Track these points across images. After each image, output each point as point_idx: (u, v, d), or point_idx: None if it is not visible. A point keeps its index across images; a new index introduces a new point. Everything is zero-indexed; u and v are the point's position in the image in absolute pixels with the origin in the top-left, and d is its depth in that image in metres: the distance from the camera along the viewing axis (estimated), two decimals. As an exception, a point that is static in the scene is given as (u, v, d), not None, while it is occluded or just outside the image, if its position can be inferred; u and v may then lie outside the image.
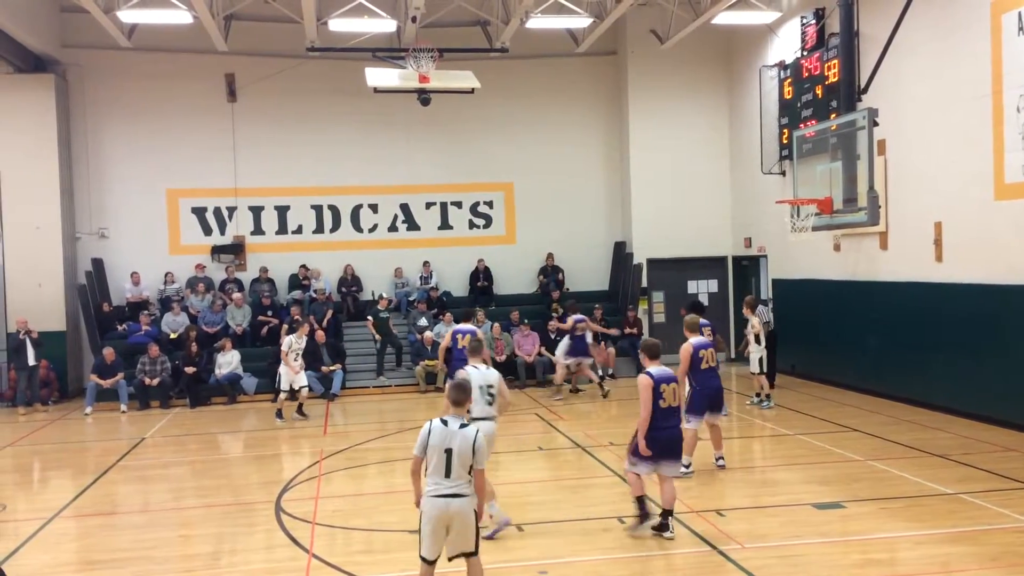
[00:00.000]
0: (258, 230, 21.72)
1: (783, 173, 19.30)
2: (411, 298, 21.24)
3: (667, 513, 8.55)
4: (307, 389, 16.35)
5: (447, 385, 6.63)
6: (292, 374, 16.01)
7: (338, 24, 18.34)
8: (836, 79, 16.53)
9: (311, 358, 17.53)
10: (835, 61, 16.67)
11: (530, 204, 22.61)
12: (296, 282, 21.23)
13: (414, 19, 17.53)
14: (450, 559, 6.61)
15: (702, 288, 22.49)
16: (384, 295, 20.50)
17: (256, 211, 21.67)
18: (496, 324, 19.63)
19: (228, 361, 18.60)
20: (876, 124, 13.71)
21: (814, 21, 17.88)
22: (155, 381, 18.06)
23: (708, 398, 10.98)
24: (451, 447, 6.38)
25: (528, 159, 22.49)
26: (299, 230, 21.87)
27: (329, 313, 20.13)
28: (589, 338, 17.91)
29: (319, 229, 21.96)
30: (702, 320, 12.28)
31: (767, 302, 19.26)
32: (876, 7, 15.66)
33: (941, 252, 14.53)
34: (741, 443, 13.13)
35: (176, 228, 21.39)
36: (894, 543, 8.32)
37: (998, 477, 10.43)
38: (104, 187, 20.98)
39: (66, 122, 20.36)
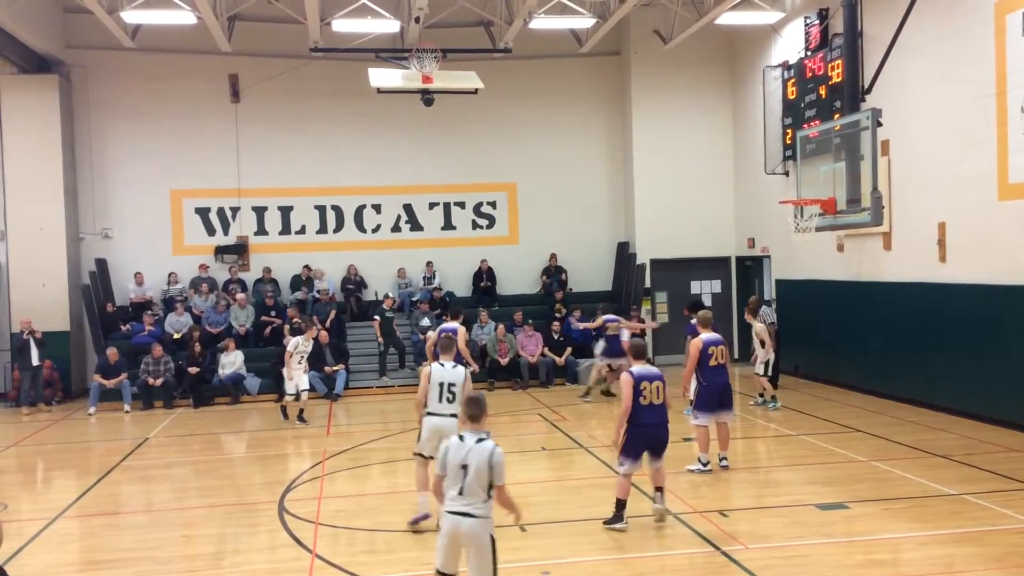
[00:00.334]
0: (261, 230, 21.74)
1: (786, 173, 19.28)
2: (414, 298, 21.24)
3: (659, 489, 9.03)
4: (307, 393, 15.92)
5: (464, 399, 6.38)
6: (298, 375, 15.53)
7: (341, 25, 18.35)
8: (840, 79, 16.50)
9: (315, 358, 17.52)
10: (839, 61, 16.64)
11: (533, 204, 22.61)
12: (299, 282, 21.24)
13: (417, 20, 17.52)
14: None
15: (705, 288, 22.49)
16: (389, 295, 20.51)
17: (259, 211, 21.69)
18: (501, 326, 19.60)
19: (231, 361, 18.62)
20: (880, 124, 13.69)
21: (817, 21, 17.86)
22: (158, 381, 18.08)
23: (715, 395, 10.97)
24: (468, 463, 6.10)
25: (531, 159, 22.49)
26: (302, 230, 21.89)
27: (332, 313, 20.15)
28: (625, 336, 17.05)
29: (322, 229, 21.97)
30: (714, 336, 12.22)
31: (771, 303, 19.25)
32: (880, 7, 15.64)
33: (945, 252, 14.50)
34: (744, 444, 13.11)
35: (180, 228, 21.42)
36: (897, 544, 8.31)
37: (1001, 478, 10.41)
38: (108, 187, 21.02)
39: (70, 123, 20.40)
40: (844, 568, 7.72)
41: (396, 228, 22.26)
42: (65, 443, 15.23)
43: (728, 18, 18.77)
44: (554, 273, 22.20)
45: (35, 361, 18.09)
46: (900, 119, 15.08)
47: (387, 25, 18.56)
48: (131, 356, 18.65)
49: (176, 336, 19.51)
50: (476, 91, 17.52)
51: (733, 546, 8.26)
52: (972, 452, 11.76)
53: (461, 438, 6.26)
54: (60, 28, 20.24)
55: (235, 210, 21.58)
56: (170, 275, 20.96)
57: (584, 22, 19.24)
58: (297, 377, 15.56)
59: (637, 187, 22.09)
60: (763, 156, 20.19)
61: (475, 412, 6.42)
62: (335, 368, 18.67)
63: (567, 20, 19.10)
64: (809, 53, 18.18)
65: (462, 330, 13.67)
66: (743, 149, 21.71)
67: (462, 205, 22.55)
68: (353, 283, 21.44)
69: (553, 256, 22.38)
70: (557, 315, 20.50)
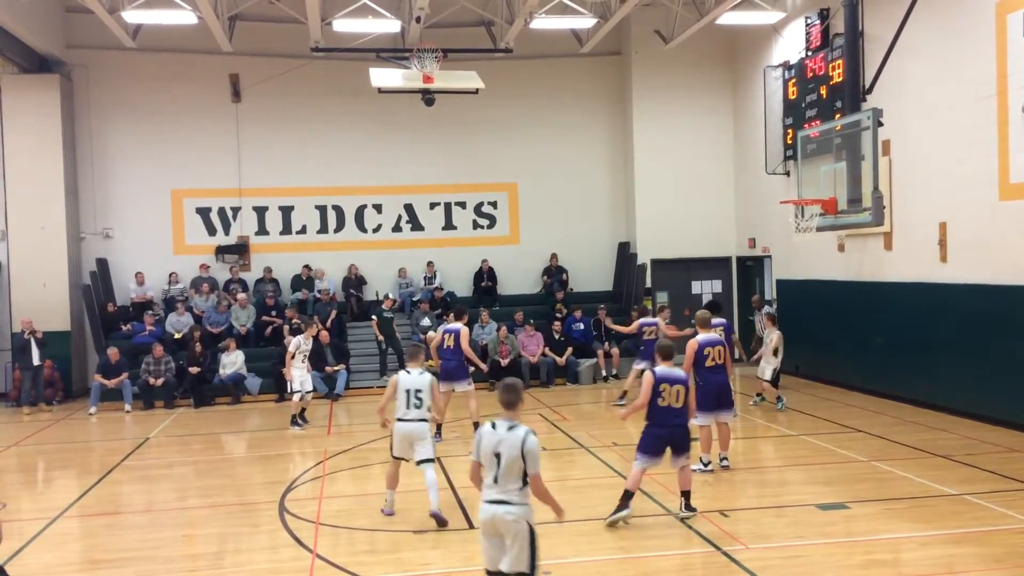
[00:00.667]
0: (262, 230, 21.75)
1: (787, 173, 19.27)
2: (415, 298, 21.24)
3: (685, 494, 9.13)
4: (310, 394, 15.76)
5: (497, 386, 6.25)
6: (302, 374, 15.30)
7: (342, 24, 18.36)
8: (840, 79, 16.50)
9: (315, 358, 17.52)
10: (839, 61, 16.64)
11: (534, 204, 22.61)
12: (300, 282, 21.24)
13: (418, 19, 17.53)
14: None
15: (706, 288, 22.49)
16: (389, 295, 20.50)
17: (260, 211, 21.70)
18: (503, 327, 19.58)
19: (232, 361, 18.62)
20: (881, 124, 13.70)
21: (818, 21, 17.86)
22: (159, 381, 18.08)
23: (712, 395, 10.97)
24: (500, 452, 5.98)
25: (532, 159, 22.48)
26: (303, 230, 21.89)
27: (333, 313, 20.15)
28: None
29: (323, 229, 21.98)
30: (715, 320, 12.24)
31: (771, 302, 19.25)
32: (881, 7, 15.63)
33: (946, 252, 14.50)
34: (745, 444, 13.11)
35: (180, 228, 21.42)
36: (898, 544, 8.31)
37: (1002, 478, 10.41)
38: (109, 187, 21.03)
39: (71, 122, 20.41)
40: (844, 568, 7.72)
41: (397, 228, 22.26)
42: (66, 443, 15.24)
43: (729, 18, 18.77)
44: (555, 273, 22.20)
45: (36, 361, 18.09)
46: (901, 119, 15.08)
47: (388, 25, 18.57)
48: (132, 356, 18.66)
49: (177, 336, 19.51)
50: (477, 91, 17.53)
51: (734, 546, 8.26)
52: (973, 452, 11.76)
53: (493, 425, 6.11)
54: (61, 28, 20.25)
55: (236, 210, 21.58)
56: (171, 275, 20.96)
57: (585, 22, 19.24)
58: (301, 377, 15.36)
59: (638, 187, 22.09)
60: (764, 156, 20.18)
61: (509, 399, 6.20)
62: (336, 368, 18.67)
63: (568, 20, 19.11)
64: (810, 53, 18.17)
65: (465, 331, 13.69)
66: (744, 149, 21.71)
67: (463, 205, 22.55)
68: (354, 283, 21.43)
69: (554, 256, 22.37)
70: (558, 315, 20.50)
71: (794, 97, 18.84)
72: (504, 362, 19.17)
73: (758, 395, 15.81)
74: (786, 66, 19.23)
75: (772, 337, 15.07)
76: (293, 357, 15.23)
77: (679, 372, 9.25)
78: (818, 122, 17.10)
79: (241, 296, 20.30)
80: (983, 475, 10.58)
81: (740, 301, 22.23)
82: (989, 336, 13.48)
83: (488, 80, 17.69)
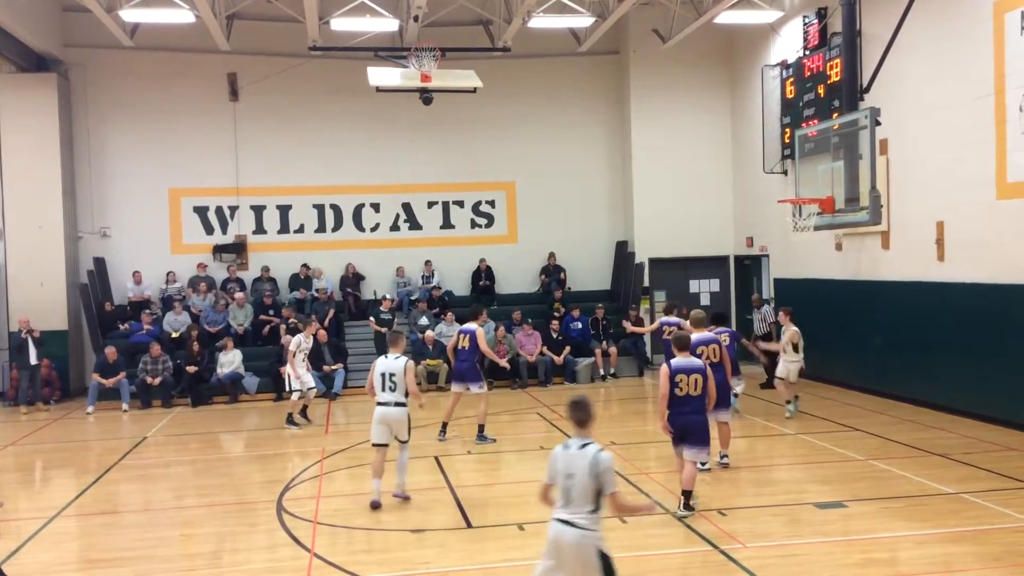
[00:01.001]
0: (260, 229, 21.73)
1: (785, 172, 19.28)
2: (413, 297, 21.23)
3: (685, 493, 9.18)
4: (313, 391, 15.81)
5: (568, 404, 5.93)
6: (302, 374, 15.29)
7: (340, 23, 18.35)
8: (838, 78, 16.51)
9: (314, 357, 17.51)
10: (837, 60, 16.65)
11: (532, 203, 22.60)
12: (298, 282, 21.23)
13: (416, 18, 17.53)
14: None
15: (704, 288, 22.51)
16: (387, 296, 20.49)
17: (258, 210, 21.68)
18: (501, 327, 19.57)
19: (230, 360, 18.61)
20: (878, 123, 13.68)
21: (816, 20, 17.87)
22: (157, 380, 18.07)
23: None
24: (572, 471, 5.58)
25: (530, 158, 22.48)
26: (301, 229, 21.88)
27: (331, 313, 20.13)
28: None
29: (321, 228, 21.96)
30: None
31: (769, 301, 19.26)
32: (878, 6, 15.64)
33: (943, 252, 14.51)
34: (743, 442, 13.10)
35: (178, 227, 21.41)
36: (896, 543, 8.32)
37: (1000, 477, 10.42)
38: (106, 186, 21.01)
39: (68, 121, 20.38)
40: (842, 567, 7.72)
41: (395, 227, 22.25)
42: (63, 442, 15.22)
43: (727, 17, 18.78)
44: (553, 272, 22.21)
45: (33, 360, 18.07)
46: (899, 118, 15.08)
47: (386, 24, 18.56)
48: (129, 355, 18.65)
49: (174, 335, 19.50)
50: (475, 90, 17.52)
51: (732, 545, 8.27)
52: (970, 451, 11.77)
53: (565, 445, 5.71)
54: (58, 27, 20.23)
55: (233, 209, 21.56)
56: (168, 274, 20.94)
57: (583, 21, 19.24)
58: (303, 375, 15.34)
59: (636, 186, 22.09)
60: (762, 155, 20.19)
61: (580, 416, 5.76)
62: (334, 367, 18.66)
63: (566, 19, 19.10)
64: (808, 52, 18.18)
65: (481, 331, 13.65)
66: (742, 148, 21.72)
67: (461, 204, 22.55)
68: (352, 282, 21.42)
69: (552, 255, 22.37)
70: (556, 314, 20.50)
71: (792, 96, 18.85)
72: (502, 362, 19.11)
73: (788, 402, 14.66)
74: (784, 65, 19.23)
75: (790, 332, 14.38)
76: (294, 356, 15.21)
77: (696, 361, 9.39)
78: (816, 121, 17.10)
79: (239, 295, 20.29)
80: (981, 474, 10.60)
81: (738, 300, 22.24)
82: (986, 335, 13.49)
83: (486, 79, 17.69)
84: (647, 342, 20.87)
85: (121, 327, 19.93)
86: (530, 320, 20.24)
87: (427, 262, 21.83)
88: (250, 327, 20.01)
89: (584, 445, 5.62)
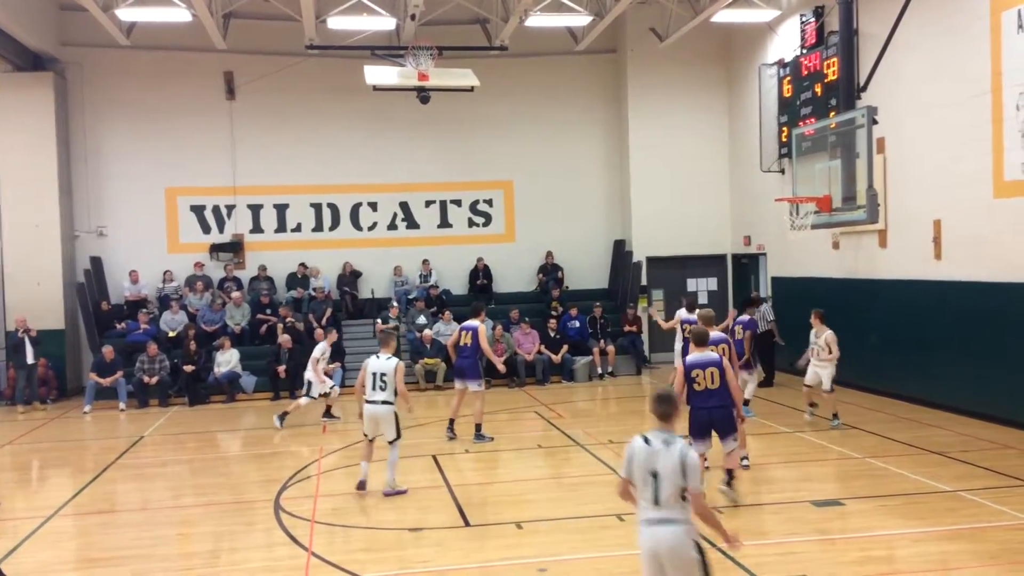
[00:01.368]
0: (257, 228, 21.71)
1: (782, 171, 19.29)
2: (411, 296, 21.22)
3: (728, 471, 9.53)
4: (337, 389, 16.01)
5: (651, 398, 5.72)
6: (325, 379, 15.48)
7: (337, 22, 18.32)
8: (835, 77, 16.53)
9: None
10: (834, 59, 16.66)
11: (529, 202, 22.59)
12: (295, 281, 21.21)
13: (413, 17, 17.50)
14: None
15: (701, 286, 22.51)
16: (394, 303, 20.49)
17: (255, 209, 21.66)
18: (499, 326, 19.56)
19: (227, 360, 18.58)
20: (875, 122, 13.73)
21: (813, 19, 17.87)
22: (154, 379, 18.05)
23: None
24: (656, 469, 5.36)
25: (527, 157, 22.47)
26: (298, 228, 21.85)
27: (328, 312, 20.11)
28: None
29: (318, 227, 21.94)
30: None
31: (767, 300, 19.26)
32: (875, 5, 15.65)
33: (940, 250, 14.53)
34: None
35: (175, 226, 21.38)
36: (893, 540, 8.33)
37: (997, 475, 10.43)
38: (103, 185, 20.97)
39: (65, 120, 20.34)
40: (839, 565, 7.72)
41: (392, 226, 22.23)
42: (60, 441, 15.20)
43: (724, 16, 18.77)
44: (550, 271, 22.20)
45: (30, 359, 18.05)
46: (896, 117, 15.10)
47: (383, 22, 18.54)
48: (126, 354, 18.61)
49: (171, 334, 19.47)
50: (472, 89, 17.49)
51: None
52: (968, 449, 11.79)
53: (646, 440, 5.46)
54: (55, 25, 20.19)
55: (230, 208, 21.54)
56: (165, 273, 20.90)
57: (580, 20, 19.23)
58: (326, 379, 15.57)
59: (633, 185, 22.09)
60: (759, 154, 20.20)
61: (664, 410, 5.55)
62: (331, 366, 18.60)
63: (563, 18, 19.09)
64: (805, 51, 18.18)
65: (483, 328, 13.67)
66: (739, 147, 21.72)
67: (458, 203, 22.54)
68: (348, 277, 21.40)
69: (549, 254, 22.37)
70: (553, 313, 20.49)
71: (789, 95, 18.86)
72: (499, 363, 19.11)
73: (835, 415, 13.76)
74: (781, 64, 19.24)
75: (827, 336, 13.60)
76: (318, 362, 15.33)
77: (711, 354, 9.45)
78: (813, 120, 17.12)
79: (236, 294, 20.26)
80: (978, 472, 10.61)
81: (736, 299, 22.23)
82: (983, 333, 13.50)
83: (483, 78, 17.67)
84: (645, 341, 20.88)
85: (118, 326, 19.90)
86: (528, 319, 20.25)
87: (425, 261, 21.81)
88: (247, 326, 19.98)
89: (668, 440, 5.44)
